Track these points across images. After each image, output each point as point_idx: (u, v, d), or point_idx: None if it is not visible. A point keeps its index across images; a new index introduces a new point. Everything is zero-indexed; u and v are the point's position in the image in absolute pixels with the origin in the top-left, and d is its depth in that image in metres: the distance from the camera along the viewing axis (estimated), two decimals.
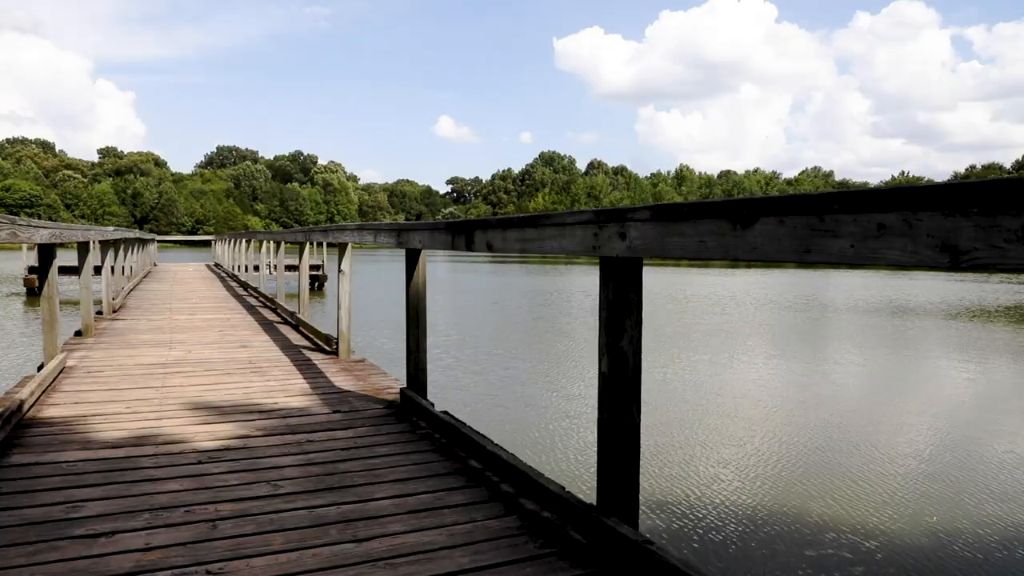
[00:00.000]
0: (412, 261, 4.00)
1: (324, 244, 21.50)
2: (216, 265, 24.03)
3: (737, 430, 7.44)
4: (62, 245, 5.52)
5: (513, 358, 11.70)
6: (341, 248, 5.83)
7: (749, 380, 10.21)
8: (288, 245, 11.16)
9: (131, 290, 12.52)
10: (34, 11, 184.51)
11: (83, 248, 7.04)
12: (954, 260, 1.21)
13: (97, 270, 8.61)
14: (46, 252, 5.19)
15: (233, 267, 18.76)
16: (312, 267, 19.36)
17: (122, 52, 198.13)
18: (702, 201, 1.78)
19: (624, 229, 2.03)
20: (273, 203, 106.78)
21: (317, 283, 22.61)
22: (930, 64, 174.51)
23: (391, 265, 38.08)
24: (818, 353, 13.07)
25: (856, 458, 6.55)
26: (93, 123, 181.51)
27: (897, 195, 1.30)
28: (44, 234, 4.69)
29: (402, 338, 4.37)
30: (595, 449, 2.32)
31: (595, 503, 2.32)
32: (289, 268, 12.00)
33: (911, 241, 1.28)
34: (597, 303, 2.27)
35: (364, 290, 21.46)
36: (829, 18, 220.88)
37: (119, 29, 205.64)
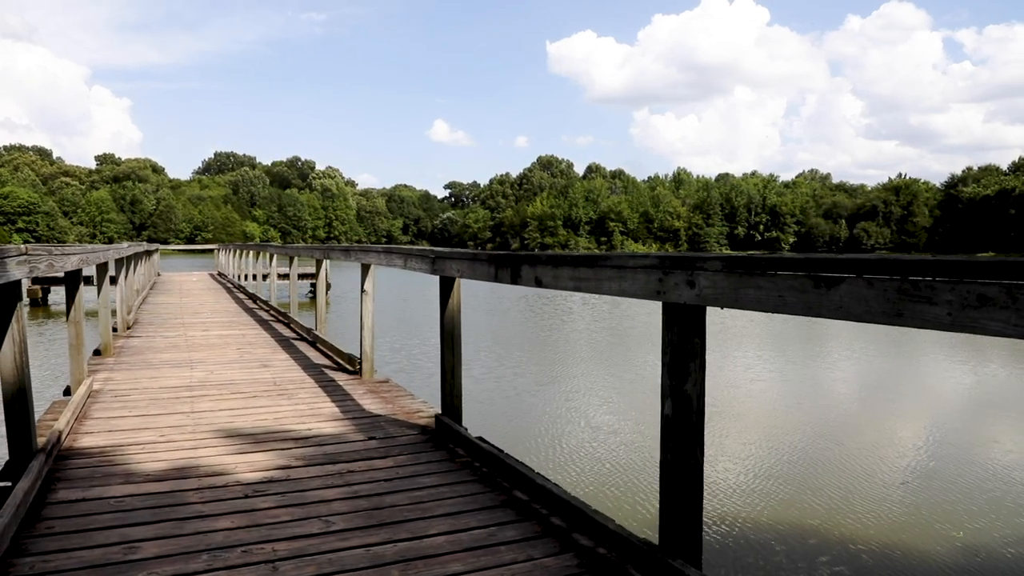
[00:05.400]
0: (447, 289, 4.01)
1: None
2: (220, 275, 24.00)
3: (775, 444, 7.45)
4: None
5: (520, 371, 11.70)
6: (364, 268, 5.85)
7: (776, 391, 10.22)
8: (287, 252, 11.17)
9: (140, 304, 12.51)
10: (28, 18, 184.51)
11: (101, 268, 7.04)
12: None
13: (111, 280, 8.60)
14: (72, 277, 5.21)
15: (239, 277, 18.75)
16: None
17: (117, 59, 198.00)
18: (780, 256, 1.80)
19: (693, 277, 2.05)
20: (271, 209, 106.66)
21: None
22: (922, 66, 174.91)
23: (387, 271, 38.04)
24: (847, 360, 13.09)
25: (928, 484, 6.31)
26: (89, 130, 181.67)
27: (999, 267, 1.32)
28: (73, 260, 4.70)
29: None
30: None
31: (658, 543, 2.33)
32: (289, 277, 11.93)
33: (1015, 314, 1.30)
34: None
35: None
36: (820, 20, 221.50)
37: (114, 36, 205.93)
